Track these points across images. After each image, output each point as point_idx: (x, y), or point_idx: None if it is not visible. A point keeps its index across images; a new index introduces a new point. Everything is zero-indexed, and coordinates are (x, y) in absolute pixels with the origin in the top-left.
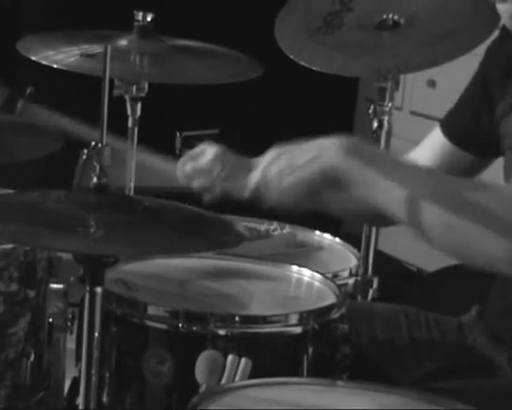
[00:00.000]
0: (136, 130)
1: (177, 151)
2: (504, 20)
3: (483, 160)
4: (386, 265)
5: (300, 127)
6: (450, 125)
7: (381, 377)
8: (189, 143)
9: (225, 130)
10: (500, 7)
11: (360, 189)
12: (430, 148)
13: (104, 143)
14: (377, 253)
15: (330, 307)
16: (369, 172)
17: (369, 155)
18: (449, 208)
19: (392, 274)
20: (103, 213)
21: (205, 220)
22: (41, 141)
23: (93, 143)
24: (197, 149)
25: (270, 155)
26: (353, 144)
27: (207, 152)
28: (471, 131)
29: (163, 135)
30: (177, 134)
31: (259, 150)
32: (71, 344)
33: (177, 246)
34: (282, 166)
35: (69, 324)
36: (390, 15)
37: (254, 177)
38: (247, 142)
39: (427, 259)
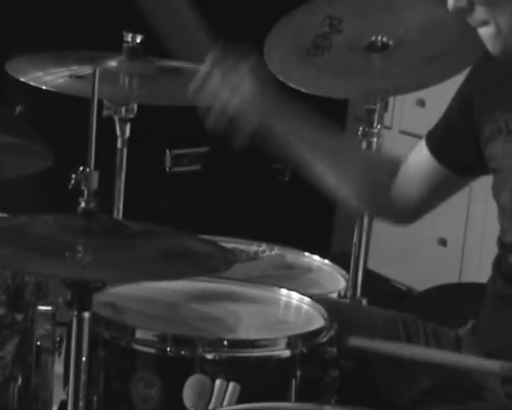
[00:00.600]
0: (125, 150)
1: (167, 169)
2: (486, 43)
3: (467, 178)
4: (375, 284)
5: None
6: (434, 143)
7: (373, 399)
8: (179, 161)
9: (214, 148)
10: (481, 31)
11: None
12: (416, 161)
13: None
14: (366, 272)
15: (319, 331)
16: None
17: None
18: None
19: (381, 293)
20: (91, 237)
21: (193, 245)
22: (29, 159)
23: (81, 168)
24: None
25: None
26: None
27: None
28: (455, 151)
29: (153, 153)
30: (167, 152)
31: (248, 170)
32: (59, 367)
33: (165, 271)
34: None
35: (57, 346)
36: (379, 37)
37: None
38: (236, 161)
39: (416, 278)
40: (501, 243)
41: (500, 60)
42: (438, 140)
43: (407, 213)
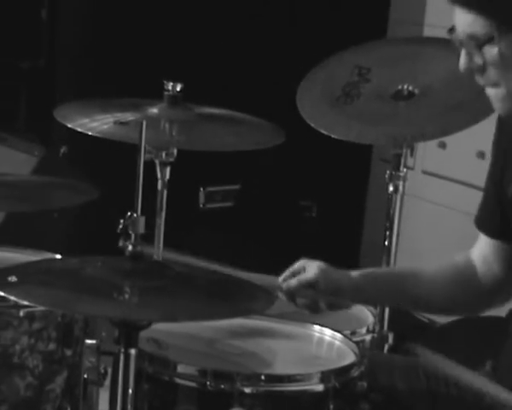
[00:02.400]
0: (165, 192)
1: (201, 205)
2: (494, 104)
3: None
4: (399, 317)
5: (317, 187)
6: (481, 220)
7: None
8: (212, 198)
9: (245, 186)
10: (490, 91)
11: None
12: (478, 245)
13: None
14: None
15: (350, 366)
16: None
17: None
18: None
19: (405, 326)
20: (137, 279)
21: (234, 286)
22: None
23: (128, 213)
24: (297, 265)
25: None
26: None
27: (309, 267)
28: (500, 220)
29: (188, 190)
30: (201, 189)
31: (277, 206)
32: (102, 397)
33: (206, 312)
34: None
35: (101, 377)
36: (405, 86)
37: None
38: (266, 197)
39: None
40: None
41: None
42: (483, 215)
43: (504, 293)
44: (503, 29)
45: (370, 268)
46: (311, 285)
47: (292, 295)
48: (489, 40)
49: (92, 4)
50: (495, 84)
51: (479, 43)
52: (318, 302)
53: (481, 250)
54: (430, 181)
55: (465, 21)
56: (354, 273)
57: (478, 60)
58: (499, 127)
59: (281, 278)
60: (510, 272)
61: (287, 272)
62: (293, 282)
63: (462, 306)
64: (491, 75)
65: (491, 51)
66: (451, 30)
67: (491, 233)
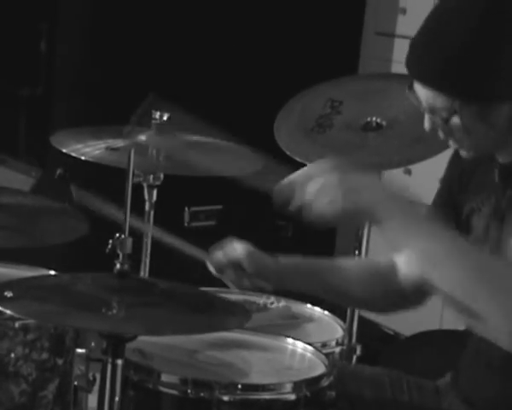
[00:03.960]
0: (152, 213)
1: (186, 224)
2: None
3: None
4: (366, 329)
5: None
6: None
7: None
8: (196, 217)
9: (227, 206)
10: (454, 145)
11: (391, 231)
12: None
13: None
14: (359, 318)
15: (320, 377)
16: (402, 219)
17: (405, 204)
18: (467, 269)
19: (372, 337)
20: (125, 295)
21: (214, 302)
22: (69, 225)
23: (117, 234)
24: (226, 243)
25: (316, 168)
26: (391, 189)
27: (238, 247)
28: None
29: (174, 210)
30: (186, 209)
31: (256, 226)
32: (91, 402)
33: (189, 327)
34: (322, 187)
35: (90, 384)
36: (374, 118)
37: (293, 179)
38: (246, 218)
39: (403, 323)
40: None
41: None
42: None
43: (419, 295)
44: (463, 104)
45: (298, 258)
46: (238, 264)
47: (220, 269)
48: (451, 113)
49: (88, 37)
50: (459, 143)
51: (442, 117)
52: (243, 279)
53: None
54: None
55: (426, 95)
56: (282, 260)
57: (442, 128)
58: (454, 158)
59: (211, 255)
60: None
61: (217, 248)
62: (222, 257)
63: (380, 301)
64: (456, 137)
65: (455, 121)
66: (410, 88)
67: None
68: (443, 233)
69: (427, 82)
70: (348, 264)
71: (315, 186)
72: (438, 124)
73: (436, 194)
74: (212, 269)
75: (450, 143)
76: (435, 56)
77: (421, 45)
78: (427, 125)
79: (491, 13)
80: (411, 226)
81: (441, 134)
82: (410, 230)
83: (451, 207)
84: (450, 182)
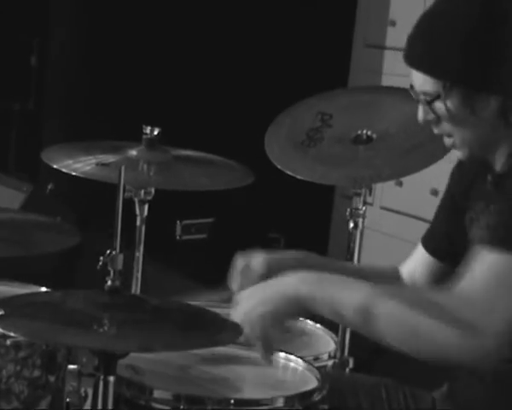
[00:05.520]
0: (143, 228)
1: (178, 236)
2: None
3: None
4: (360, 341)
5: (285, 221)
6: (428, 239)
7: None
8: (188, 230)
9: (218, 219)
10: (446, 140)
11: (320, 306)
12: (414, 259)
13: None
14: (351, 330)
15: (313, 391)
16: (324, 290)
17: (321, 278)
18: (396, 308)
19: (364, 349)
20: (116, 312)
21: (205, 318)
22: (58, 236)
23: (108, 251)
24: (238, 264)
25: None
26: (306, 274)
27: (253, 262)
28: (446, 243)
29: (166, 223)
30: (178, 222)
31: (247, 238)
32: None
33: (180, 343)
34: (250, 306)
35: (82, 401)
36: (364, 131)
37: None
38: (238, 230)
39: None
40: None
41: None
42: (431, 236)
43: None
44: (447, 87)
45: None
46: (262, 277)
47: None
48: (436, 98)
49: (77, 53)
50: (449, 135)
51: (429, 99)
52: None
53: (411, 266)
54: (387, 216)
55: (418, 80)
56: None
57: (430, 114)
58: (457, 167)
59: (234, 285)
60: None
61: (235, 277)
62: (246, 282)
63: None
64: (445, 127)
65: (440, 107)
66: (411, 86)
67: (432, 251)
68: (360, 287)
69: (414, 64)
70: (357, 266)
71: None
72: (429, 116)
73: (439, 204)
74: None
75: (444, 139)
76: (424, 40)
77: (415, 34)
78: (420, 116)
79: (487, 7)
80: (337, 291)
81: (433, 127)
82: (332, 299)
83: (454, 218)
84: (454, 192)
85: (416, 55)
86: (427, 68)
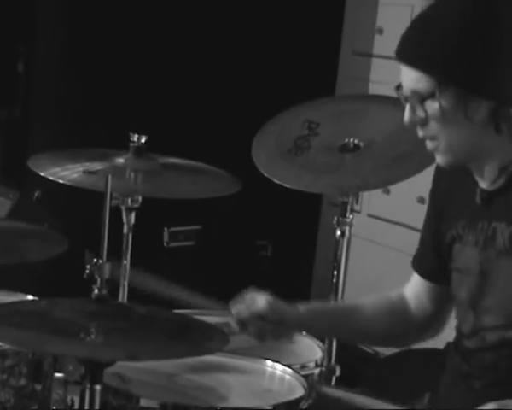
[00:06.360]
0: (130, 235)
1: (165, 244)
2: (435, 155)
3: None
4: (345, 349)
5: (272, 229)
6: (417, 262)
7: None
8: (176, 237)
9: (206, 227)
10: (430, 144)
11: None
12: (412, 283)
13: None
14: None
15: (299, 399)
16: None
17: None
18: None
19: (351, 357)
20: (103, 320)
21: (192, 326)
22: (46, 244)
23: (95, 260)
24: (247, 297)
25: None
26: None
27: (258, 299)
28: (434, 264)
29: (153, 230)
30: (165, 229)
31: (235, 246)
32: None
33: (167, 352)
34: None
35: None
36: (351, 139)
37: None
38: (225, 237)
39: None
40: (458, 330)
41: (450, 171)
42: (419, 257)
43: (435, 324)
44: (442, 86)
45: (317, 302)
46: (260, 316)
47: (243, 324)
48: (430, 95)
49: (65, 60)
50: (434, 138)
51: (421, 98)
52: (266, 332)
53: (414, 288)
54: (375, 223)
55: (410, 78)
56: (301, 307)
57: (420, 113)
58: (437, 176)
59: (233, 310)
60: (440, 309)
61: (238, 304)
62: (245, 312)
63: (396, 338)
64: (432, 128)
65: (433, 106)
66: (398, 87)
67: (424, 274)
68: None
69: (411, 62)
70: (369, 308)
71: None
72: (416, 113)
73: (425, 220)
74: (234, 325)
75: (427, 143)
76: (421, 38)
77: (411, 32)
78: (406, 117)
79: (483, 4)
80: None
81: (419, 129)
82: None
83: (439, 236)
84: (434, 206)
85: (411, 53)
86: (423, 66)
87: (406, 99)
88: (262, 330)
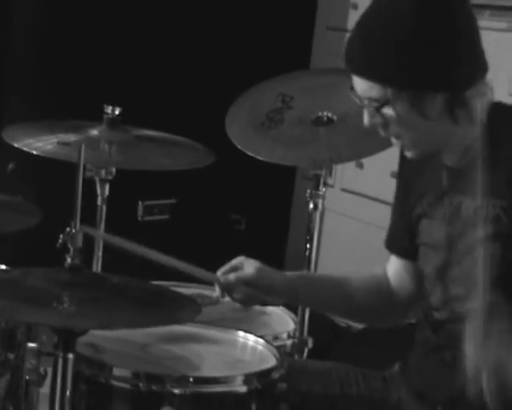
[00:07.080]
0: (104, 207)
1: (140, 218)
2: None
3: None
4: (318, 322)
5: (246, 202)
6: (390, 241)
7: None
8: (150, 211)
9: (181, 200)
10: (395, 141)
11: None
12: (391, 263)
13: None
14: (311, 311)
15: (271, 369)
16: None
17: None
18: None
19: (324, 330)
20: (76, 290)
21: (165, 296)
22: (19, 216)
23: (68, 229)
24: (235, 262)
25: None
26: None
27: (246, 265)
28: (406, 241)
29: (127, 204)
30: (140, 203)
31: (210, 219)
32: (43, 398)
33: (139, 320)
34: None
35: (42, 379)
36: (325, 113)
37: None
38: (200, 211)
39: None
40: (427, 303)
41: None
42: (391, 236)
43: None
44: (395, 91)
45: (303, 271)
46: (247, 282)
47: (229, 289)
48: (385, 103)
49: (39, 32)
50: (397, 137)
51: (376, 106)
52: (252, 298)
53: (394, 267)
54: (348, 198)
55: (362, 87)
56: (289, 274)
57: (378, 119)
58: (403, 156)
59: (219, 273)
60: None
61: (226, 267)
62: (232, 277)
63: (382, 316)
64: (393, 130)
65: (389, 112)
66: (352, 88)
67: (398, 253)
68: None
69: (361, 72)
70: (354, 279)
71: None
72: (376, 119)
73: (394, 197)
74: (218, 291)
75: (392, 140)
76: (368, 47)
77: (355, 39)
78: (366, 121)
79: (425, 4)
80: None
81: (380, 131)
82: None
83: (408, 211)
84: (401, 186)
85: (359, 63)
86: (372, 76)
87: (362, 103)
88: (247, 295)
